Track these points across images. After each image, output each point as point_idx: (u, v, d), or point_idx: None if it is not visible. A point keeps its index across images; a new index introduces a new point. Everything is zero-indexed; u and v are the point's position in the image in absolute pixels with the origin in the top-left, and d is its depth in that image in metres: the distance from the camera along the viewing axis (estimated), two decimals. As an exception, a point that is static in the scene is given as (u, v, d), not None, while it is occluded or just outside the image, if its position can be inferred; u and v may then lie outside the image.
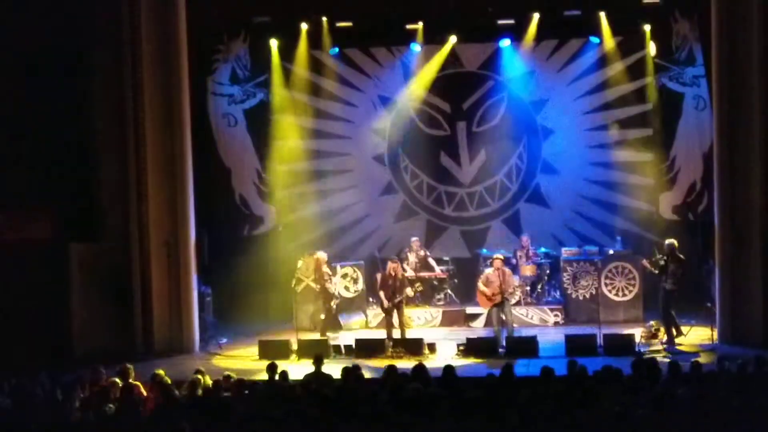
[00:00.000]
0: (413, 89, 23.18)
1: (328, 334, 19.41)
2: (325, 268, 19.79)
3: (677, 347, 17.72)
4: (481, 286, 18.54)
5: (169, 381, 12.94)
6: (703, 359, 13.82)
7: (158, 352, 18.71)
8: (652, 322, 18.62)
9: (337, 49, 22.94)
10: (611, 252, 20.94)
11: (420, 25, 22.22)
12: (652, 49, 21.94)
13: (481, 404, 11.02)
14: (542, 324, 20.62)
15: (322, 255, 19.95)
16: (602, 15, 21.63)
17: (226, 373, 13.89)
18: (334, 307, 19.89)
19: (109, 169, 19.22)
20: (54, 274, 18.65)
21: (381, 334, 19.11)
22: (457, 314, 21.06)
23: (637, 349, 17.29)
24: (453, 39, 22.52)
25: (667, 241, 18.43)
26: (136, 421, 11.34)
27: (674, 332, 18.07)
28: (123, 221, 19.08)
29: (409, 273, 20.65)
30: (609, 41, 22.06)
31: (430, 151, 23.43)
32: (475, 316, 20.72)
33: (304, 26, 22.19)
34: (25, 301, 18.22)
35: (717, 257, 18.34)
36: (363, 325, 21.11)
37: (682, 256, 18.13)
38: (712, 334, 18.26)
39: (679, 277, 18.03)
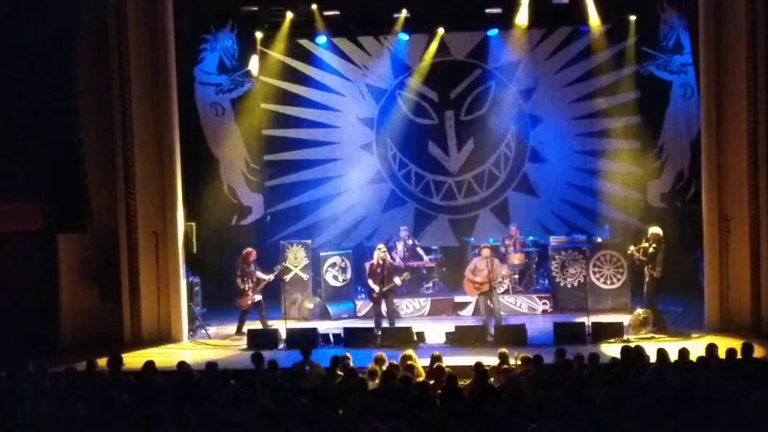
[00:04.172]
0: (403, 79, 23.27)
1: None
2: (252, 267, 19.61)
3: (664, 333, 17.84)
4: (468, 273, 18.57)
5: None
6: (691, 346, 13.82)
7: (146, 341, 18.69)
8: (639, 311, 18.63)
9: (325, 38, 22.91)
10: (599, 240, 20.96)
11: (407, 14, 22.19)
12: (639, 37, 22.00)
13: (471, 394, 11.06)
14: (531, 312, 20.64)
15: (249, 250, 19.81)
16: (590, 2, 21.58)
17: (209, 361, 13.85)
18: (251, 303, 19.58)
19: (97, 160, 19.14)
20: (42, 264, 18.61)
21: (369, 323, 19.12)
22: (445, 303, 21.06)
23: (625, 337, 17.33)
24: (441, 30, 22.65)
25: (653, 230, 18.46)
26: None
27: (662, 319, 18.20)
28: (111, 211, 19.03)
29: (398, 262, 20.66)
30: (597, 28, 22.04)
31: (418, 140, 23.45)
32: (463, 305, 20.73)
33: (290, 15, 22.12)
34: (13, 292, 18.18)
35: (705, 245, 18.37)
36: (352, 314, 21.09)
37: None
38: (700, 321, 18.34)
39: (664, 265, 18.14)
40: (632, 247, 18.61)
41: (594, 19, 21.90)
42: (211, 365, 13.34)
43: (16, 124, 18.52)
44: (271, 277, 19.57)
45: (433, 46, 22.84)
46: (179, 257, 19.18)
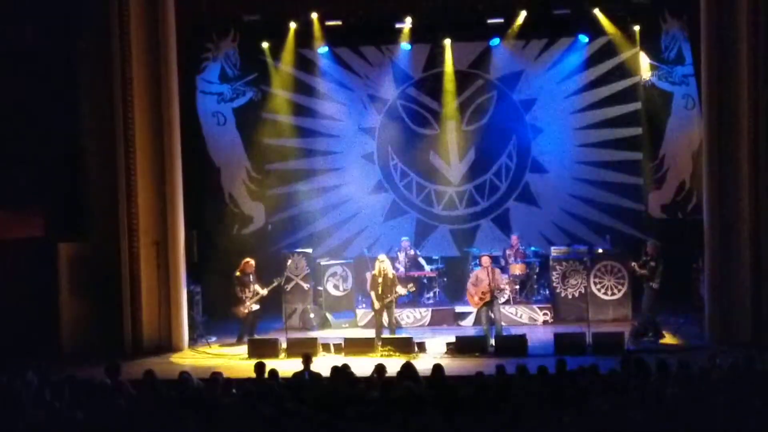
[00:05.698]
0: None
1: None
2: (250, 277, 19.64)
3: (665, 344, 17.86)
4: (470, 287, 18.57)
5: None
6: (692, 358, 13.81)
7: (147, 350, 18.66)
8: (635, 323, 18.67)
9: (327, 48, 22.94)
10: (600, 251, 20.96)
11: (409, 24, 22.23)
12: (641, 48, 22.04)
13: (472, 403, 11.04)
14: (531, 323, 20.62)
15: (248, 260, 19.79)
16: (591, 13, 21.63)
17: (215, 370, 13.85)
18: (247, 312, 19.62)
19: (99, 168, 19.14)
20: (43, 272, 18.59)
21: (370, 332, 19.10)
22: (446, 313, 21.05)
23: (626, 348, 17.31)
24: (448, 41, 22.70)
25: (652, 243, 18.52)
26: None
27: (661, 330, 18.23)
28: (112, 220, 19.00)
29: (400, 272, 20.64)
30: (610, 29, 22.03)
31: (419, 149, 23.46)
32: (464, 315, 20.72)
33: (293, 25, 22.17)
34: (14, 300, 18.17)
35: (706, 256, 18.36)
36: (352, 324, 21.06)
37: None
38: (701, 332, 18.33)
39: (664, 276, 18.17)
40: (633, 263, 18.64)
41: (595, 30, 21.95)
42: (215, 374, 13.31)
43: (18, 133, 18.54)
44: (266, 291, 19.54)
45: (447, 55, 22.91)
46: (180, 266, 19.18)
